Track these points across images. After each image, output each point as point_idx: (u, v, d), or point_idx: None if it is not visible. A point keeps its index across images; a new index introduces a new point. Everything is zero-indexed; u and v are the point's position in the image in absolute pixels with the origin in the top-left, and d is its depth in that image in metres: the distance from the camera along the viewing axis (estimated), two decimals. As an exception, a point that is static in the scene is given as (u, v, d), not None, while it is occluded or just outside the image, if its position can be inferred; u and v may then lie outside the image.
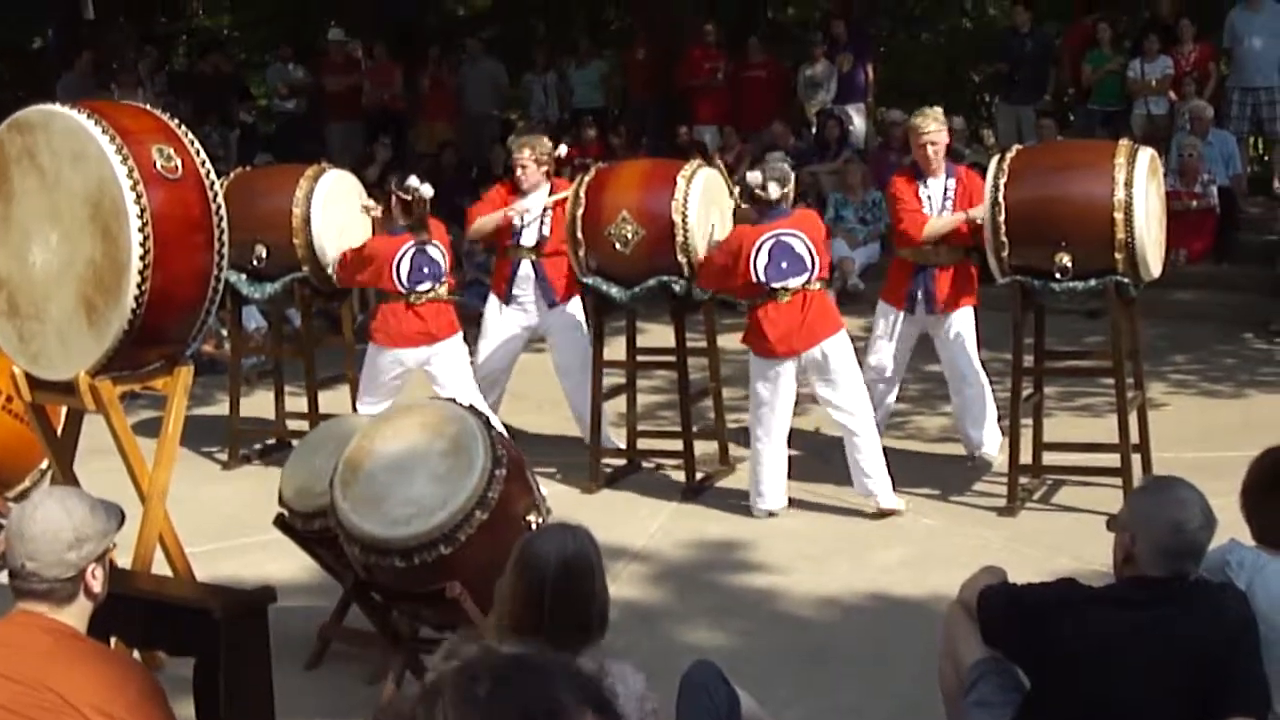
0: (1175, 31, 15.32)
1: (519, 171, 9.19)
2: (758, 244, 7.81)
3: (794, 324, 7.81)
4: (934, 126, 8.51)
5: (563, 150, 9.75)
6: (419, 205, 8.59)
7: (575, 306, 9.29)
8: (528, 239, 9.17)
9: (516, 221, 9.12)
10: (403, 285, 8.51)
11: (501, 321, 9.35)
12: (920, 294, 8.53)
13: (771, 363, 7.91)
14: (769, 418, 8.02)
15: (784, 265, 7.79)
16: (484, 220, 9.21)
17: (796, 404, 8.20)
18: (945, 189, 8.49)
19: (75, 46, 18.13)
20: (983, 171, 8.21)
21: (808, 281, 7.83)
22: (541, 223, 9.15)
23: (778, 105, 16.48)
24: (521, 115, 18.68)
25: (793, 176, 8.12)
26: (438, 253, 8.61)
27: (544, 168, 9.22)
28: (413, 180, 8.69)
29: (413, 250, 8.54)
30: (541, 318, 9.30)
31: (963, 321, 8.62)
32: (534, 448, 8.39)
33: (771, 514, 8.04)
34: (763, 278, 7.77)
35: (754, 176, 8.01)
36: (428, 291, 8.51)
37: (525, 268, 9.22)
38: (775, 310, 7.83)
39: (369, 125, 17.19)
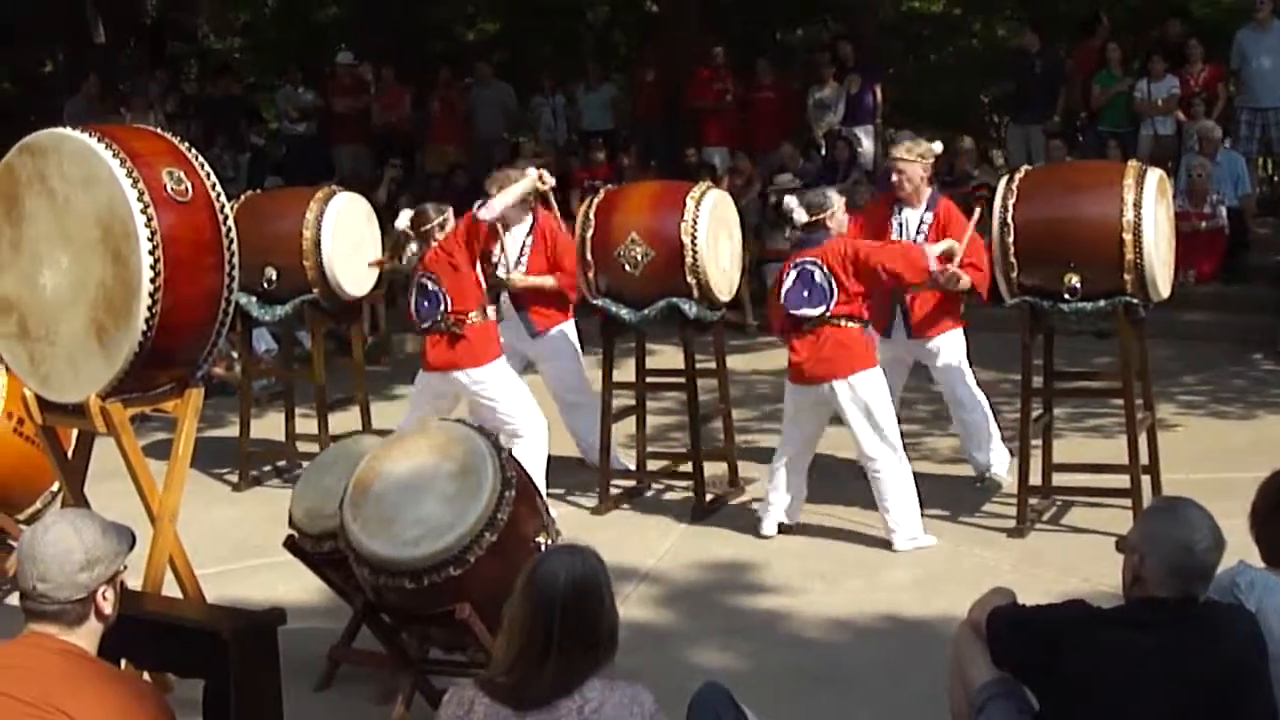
0: (1184, 52, 15.35)
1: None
2: (788, 271, 7.82)
3: (812, 354, 7.76)
4: (901, 153, 8.46)
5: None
6: (403, 238, 8.62)
7: (563, 333, 9.31)
8: (504, 271, 9.07)
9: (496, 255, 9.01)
10: (416, 318, 8.49)
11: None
12: (898, 318, 8.47)
13: (793, 388, 7.91)
14: (786, 439, 8.04)
15: (805, 294, 7.74)
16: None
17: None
18: (921, 220, 8.40)
19: (85, 70, 18.20)
20: (992, 192, 8.20)
21: (825, 311, 7.71)
22: (520, 255, 9.15)
23: (787, 127, 16.51)
24: (531, 138, 18.72)
25: (832, 203, 7.88)
26: (430, 284, 8.35)
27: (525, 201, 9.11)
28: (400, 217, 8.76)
29: (416, 283, 8.50)
30: (524, 346, 9.32)
31: (950, 346, 8.60)
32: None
33: (766, 536, 8.03)
34: (784, 302, 7.77)
35: (788, 201, 7.99)
36: (429, 325, 8.36)
37: (504, 299, 9.18)
38: (799, 339, 7.79)
39: (377, 148, 17.24)
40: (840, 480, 8.51)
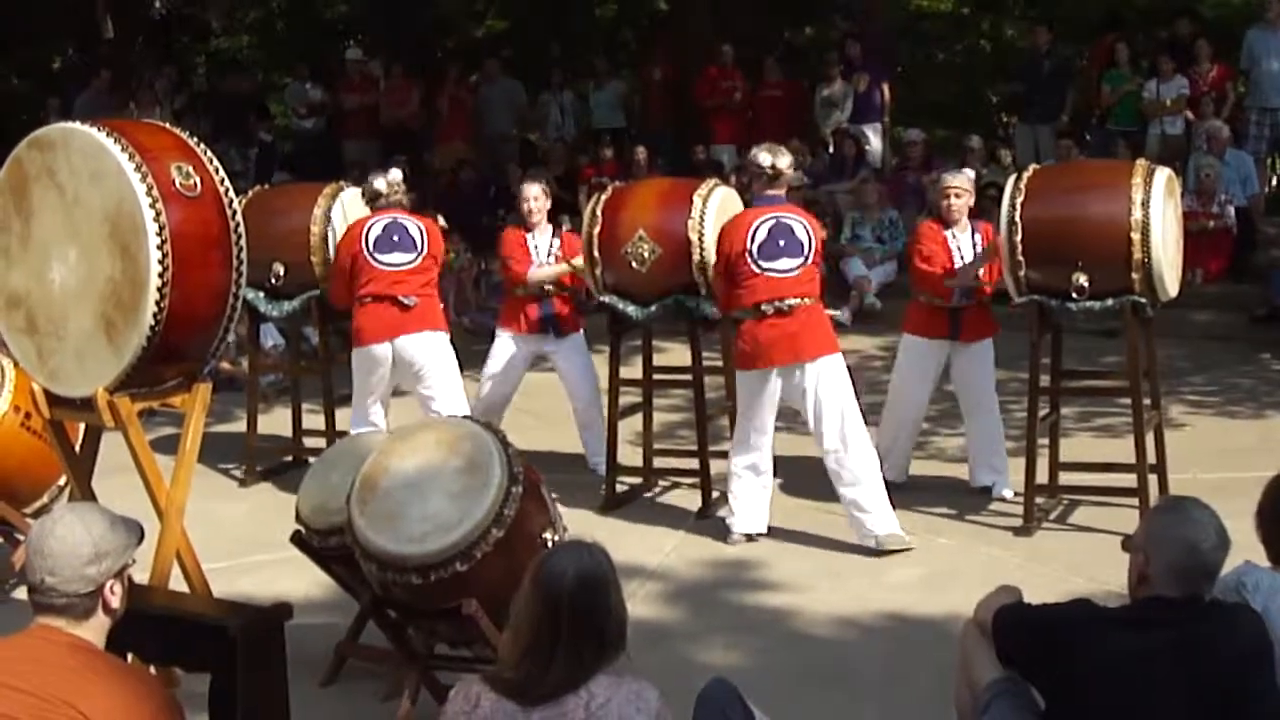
0: (1193, 52, 15.33)
1: (530, 205, 9.36)
2: (756, 224, 7.77)
3: (776, 336, 7.69)
4: (961, 182, 8.61)
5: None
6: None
7: (580, 339, 9.44)
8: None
9: (536, 262, 9.27)
10: (369, 250, 8.74)
11: (514, 353, 9.44)
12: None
13: (748, 375, 7.87)
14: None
15: (781, 244, 7.71)
16: (541, 272, 9.24)
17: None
18: (974, 241, 8.48)
19: (94, 66, 18.20)
20: (1000, 191, 8.21)
21: (802, 264, 7.70)
22: (549, 254, 9.31)
23: (795, 125, 16.50)
24: (539, 135, 18.72)
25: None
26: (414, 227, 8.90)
27: (549, 202, 9.50)
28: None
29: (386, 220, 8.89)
30: (538, 346, 9.44)
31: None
32: (549, 466, 8.38)
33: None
34: (757, 257, 7.70)
35: (763, 156, 7.97)
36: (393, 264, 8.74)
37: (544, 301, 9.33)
38: (764, 324, 7.73)
39: (386, 144, 17.23)
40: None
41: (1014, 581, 4.72)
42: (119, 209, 5.46)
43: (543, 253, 9.27)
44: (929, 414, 9.57)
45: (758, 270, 7.69)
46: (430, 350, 8.84)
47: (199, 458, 6.07)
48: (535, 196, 9.36)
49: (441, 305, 9.33)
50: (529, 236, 9.33)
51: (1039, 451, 8.04)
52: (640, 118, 18.38)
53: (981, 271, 8.30)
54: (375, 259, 8.72)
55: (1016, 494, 8.28)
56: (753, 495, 7.98)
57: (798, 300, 7.68)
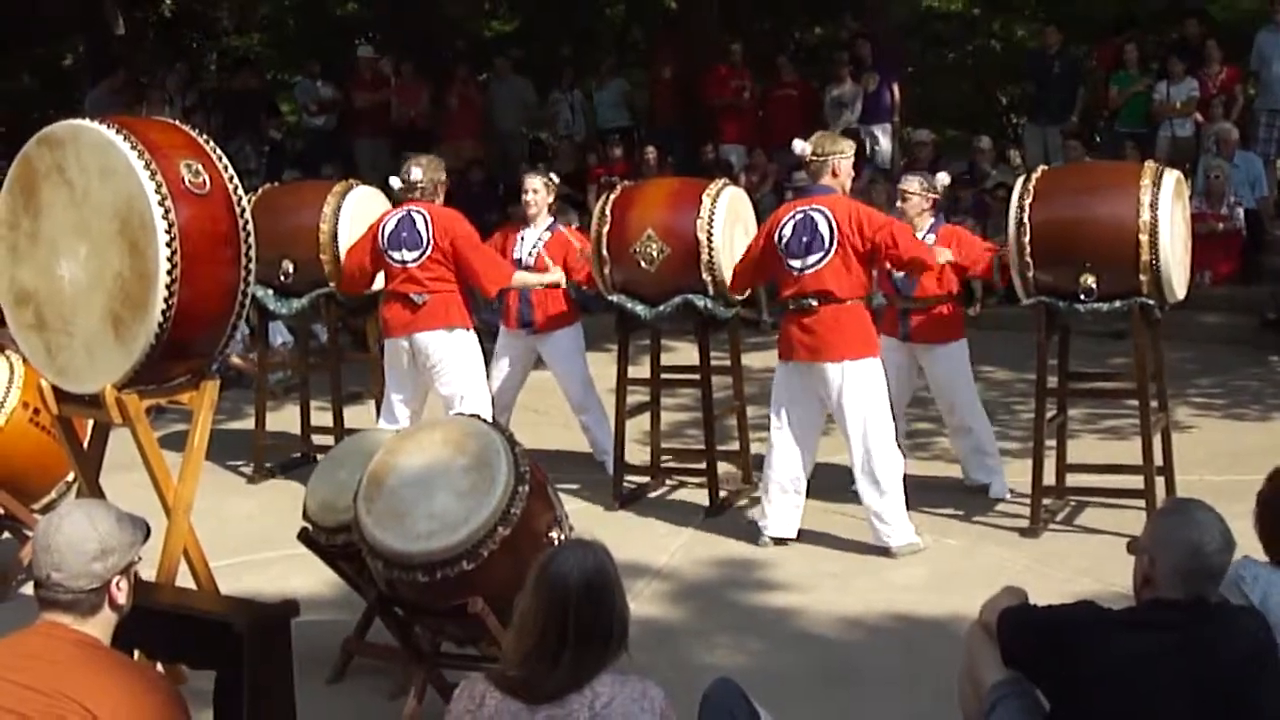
0: (1203, 54, 15.32)
1: (528, 196, 9.35)
2: (784, 220, 7.73)
3: (798, 332, 7.67)
4: (910, 185, 8.67)
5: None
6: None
7: (566, 335, 9.40)
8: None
9: (518, 253, 9.27)
10: (384, 246, 8.66)
11: (506, 348, 9.51)
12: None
13: (778, 366, 7.88)
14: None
15: (804, 240, 7.62)
16: (521, 277, 9.08)
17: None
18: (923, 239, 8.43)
19: (106, 62, 18.21)
20: (1009, 192, 8.21)
21: (823, 259, 7.59)
22: (532, 250, 9.28)
23: (805, 125, 16.47)
24: (549, 134, 18.72)
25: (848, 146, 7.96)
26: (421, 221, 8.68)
27: (551, 197, 9.41)
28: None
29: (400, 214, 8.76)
30: (530, 341, 9.42)
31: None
32: (556, 464, 8.40)
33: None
34: (784, 253, 7.66)
35: (795, 144, 7.95)
36: (402, 261, 8.61)
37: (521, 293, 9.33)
38: (791, 319, 7.74)
39: (396, 142, 17.23)
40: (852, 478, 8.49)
41: (1020, 583, 4.72)
42: (128, 206, 5.47)
43: (527, 246, 9.26)
44: (934, 414, 9.58)
45: (786, 267, 7.70)
46: (444, 348, 8.69)
47: (207, 455, 6.07)
48: (535, 189, 9.31)
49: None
50: (520, 232, 9.35)
51: (1046, 452, 8.04)
52: (649, 117, 18.36)
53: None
54: (389, 255, 8.69)
55: (1014, 492, 8.28)
56: (782, 499, 7.91)
57: (818, 299, 7.60)
